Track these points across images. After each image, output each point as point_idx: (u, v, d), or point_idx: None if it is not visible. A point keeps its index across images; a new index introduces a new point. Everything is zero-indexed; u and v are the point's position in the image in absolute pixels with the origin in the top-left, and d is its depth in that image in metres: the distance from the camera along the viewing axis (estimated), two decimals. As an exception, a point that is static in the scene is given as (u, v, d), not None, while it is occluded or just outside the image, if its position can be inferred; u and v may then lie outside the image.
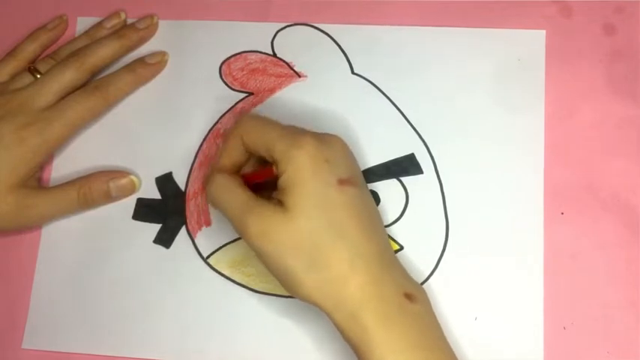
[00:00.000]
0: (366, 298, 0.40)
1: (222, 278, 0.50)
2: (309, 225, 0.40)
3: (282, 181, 0.42)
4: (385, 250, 0.42)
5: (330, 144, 0.43)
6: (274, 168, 0.43)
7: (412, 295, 0.41)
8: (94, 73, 0.53)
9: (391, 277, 0.41)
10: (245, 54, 0.55)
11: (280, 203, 0.41)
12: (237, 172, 0.46)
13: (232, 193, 0.43)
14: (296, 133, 0.42)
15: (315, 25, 0.55)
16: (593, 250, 0.48)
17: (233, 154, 0.45)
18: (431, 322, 0.41)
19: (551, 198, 0.49)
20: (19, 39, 0.55)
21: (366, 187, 0.44)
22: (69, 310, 0.51)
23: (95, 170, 0.53)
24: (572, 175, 0.49)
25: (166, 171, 0.53)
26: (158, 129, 0.54)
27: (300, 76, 0.54)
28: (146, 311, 0.50)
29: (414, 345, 0.39)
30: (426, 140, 0.51)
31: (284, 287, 0.42)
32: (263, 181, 0.45)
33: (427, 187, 0.50)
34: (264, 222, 0.41)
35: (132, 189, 0.52)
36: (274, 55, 0.55)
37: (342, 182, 0.41)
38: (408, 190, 0.50)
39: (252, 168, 0.47)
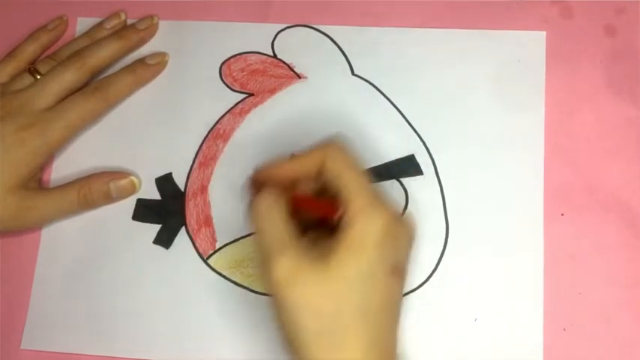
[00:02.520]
0: None
1: (222, 279, 0.50)
2: (344, 295, 0.37)
3: (344, 234, 0.38)
4: (394, 349, 0.39)
5: (404, 226, 0.40)
6: (336, 213, 0.39)
7: None
8: (95, 74, 0.53)
9: None
10: (245, 55, 0.55)
11: (325, 253, 0.38)
12: (292, 187, 0.42)
13: (273, 221, 0.39)
14: (381, 198, 0.39)
15: (316, 26, 0.55)
16: (593, 251, 0.48)
17: (305, 166, 0.41)
18: None
19: (551, 199, 0.49)
20: (20, 39, 0.55)
21: (407, 277, 0.41)
22: (68, 310, 0.51)
23: (95, 171, 0.53)
24: (572, 176, 0.49)
25: (166, 171, 0.53)
26: (158, 130, 0.54)
27: (300, 78, 0.54)
28: (145, 312, 0.50)
29: None
30: (426, 141, 0.51)
31: (283, 342, 0.38)
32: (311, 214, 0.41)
33: (427, 188, 0.50)
34: (295, 268, 0.37)
35: (132, 190, 0.52)
36: (274, 56, 0.55)
37: (394, 270, 0.38)
38: (408, 191, 0.50)
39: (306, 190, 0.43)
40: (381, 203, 0.38)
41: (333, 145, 0.41)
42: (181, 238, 0.51)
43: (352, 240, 0.37)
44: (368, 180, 0.40)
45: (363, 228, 0.38)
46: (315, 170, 0.41)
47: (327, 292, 0.37)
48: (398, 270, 0.39)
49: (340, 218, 0.38)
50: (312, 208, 0.41)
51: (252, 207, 0.40)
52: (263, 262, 0.38)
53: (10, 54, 0.55)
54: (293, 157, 0.42)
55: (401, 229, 0.39)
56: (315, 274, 0.37)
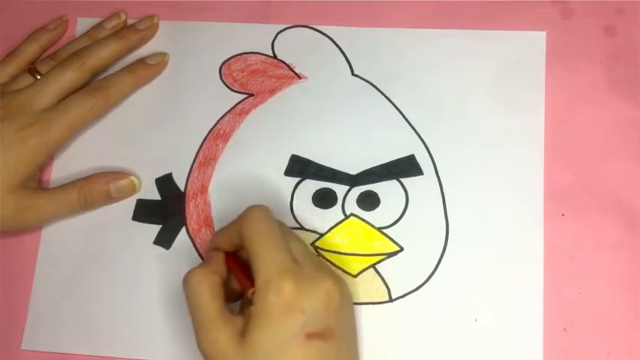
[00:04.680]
0: None
1: (222, 279, 0.50)
2: None
3: (252, 310, 0.40)
4: None
5: (314, 292, 0.41)
6: (250, 289, 0.42)
7: None
8: (95, 74, 0.53)
9: None
10: (245, 55, 0.55)
11: (243, 326, 0.41)
12: (234, 250, 0.45)
13: (200, 299, 0.42)
14: (283, 270, 0.41)
15: (316, 26, 0.55)
16: (593, 252, 0.48)
17: (232, 237, 0.44)
18: None
19: (551, 199, 0.49)
20: (20, 39, 0.55)
21: (347, 339, 0.43)
22: (68, 310, 0.51)
23: (95, 171, 0.52)
24: (572, 177, 0.49)
25: (166, 172, 0.53)
26: (158, 130, 0.54)
27: (300, 78, 0.54)
28: (146, 312, 0.50)
29: None
30: (426, 141, 0.51)
31: None
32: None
33: (427, 188, 0.50)
34: (215, 345, 0.40)
35: (132, 190, 0.52)
36: (275, 56, 0.55)
37: (310, 336, 0.40)
38: (408, 191, 0.50)
39: None
40: (280, 279, 0.40)
41: (248, 213, 0.43)
42: (182, 239, 0.51)
43: (257, 315, 0.40)
44: (279, 248, 0.42)
45: (264, 303, 0.40)
46: (238, 240, 0.44)
47: None
48: (316, 334, 0.40)
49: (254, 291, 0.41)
50: (235, 274, 0.44)
51: (183, 282, 0.43)
52: (194, 331, 0.42)
53: (10, 54, 0.54)
54: (221, 228, 0.46)
55: (307, 297, 0.40)
56: (233, 351, 0.40)
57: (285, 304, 0.40)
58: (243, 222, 0.43)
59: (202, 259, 0.51)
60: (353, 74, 0.54)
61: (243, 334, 0.40)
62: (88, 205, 0.51)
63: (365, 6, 0.55)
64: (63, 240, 0.52)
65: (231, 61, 0.55)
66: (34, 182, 0.52)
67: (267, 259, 0.41)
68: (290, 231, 0.46)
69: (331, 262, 0.49)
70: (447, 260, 0.49)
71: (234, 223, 0.44)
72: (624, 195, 0.49)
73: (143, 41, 0.56)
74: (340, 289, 0.42)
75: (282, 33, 0.55)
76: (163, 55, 0.55)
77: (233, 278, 0.45)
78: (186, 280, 0.43)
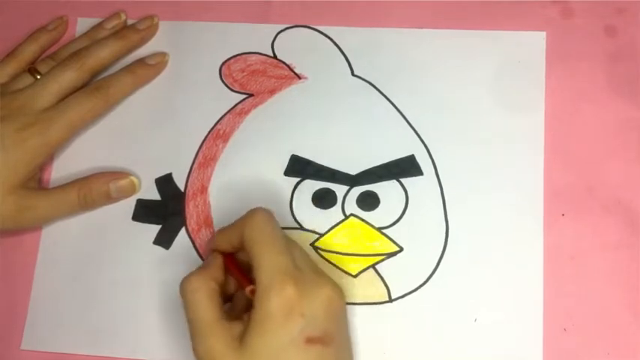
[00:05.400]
0: None
1: (222, 279, 0.50)
2: None
3: (252, 314, 0.40)
4: None
5: (314, 297, 0.41)
6: (247, 287, 0.42)
7: None
8: (95, 74, 0.53)
9: None
10: (245, 55, 0.55)
11: (242, 330, 0.40)
12: (233, 252, 0.45)
13: (198, 306, 0.42)
14: (285, 274, 0.40)
15: (316, 27, 0.55)
16: (593, 252, 0.48)
17: (232, 239, 0.44)
18: None
19: (551, 199, 0.49)
20: (20, 39, 0.55)
21: (345, 346, 0.43)
22: (68, 310, 0.51)
23: (95, 171, 0.52)
24: (572, 177, 0.49)
25: (166, 172, 0.53)
26: (158, 130, 0.54)
27: (300, 78, 0.54)
28: (146, 312, 0.50)
29: None
30: (426, 142, 0.51)
31: None
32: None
33: (427, 189, 0.50)
34: (212, 351, 0.40)
35: (132, 190, 0.52)
36: (275, 56, 0.55)
37: (310, 341, 0.40)
38: (408, 192, 0.50)
39: None
40: (281, 283, 0.40)
41: (253, 216, 0.43)
42: (181, 239, 0.51)
43: (257, 319, 0.40)
44: (281, 252, 0.41)
45: (266, 307, 0.40)
46: (238, 242, 0.44)
47: None
48: (315, 339, 0.40)
49: (253, 292, 0.41)
50: (233, 274, 0.44)
51: (180, 288, 0.43)
52: (190, 338, 0.42)
53: (10, 54, 0.54)
54: (221, 229, 0.46)
55: (308, 302, 0.40)
56: (231, 355, 0.39)
57: (287, 307, 0.40)
58: (245, 224, 0.43)
59: (202, 259, 0.51)
60: (353, 74, 0.54)
61: (241, 339, 0.40)
62: (87, 205, 0.51)
63: (365, 6, 0.55)
64: (63, 240, 0.52)
65: (231, 61, 0.55)
66: (34, 182, 0.52)
67: (269, 262, 0.41)
68: (290, 238, 0.46)
69: (331, 263, 0.49)
70: (447, 260, 0.49)
71: (235, 224, 0.44)
72: (624, 195, 0.49)
73: (143, 41, 0.56)
74: (340, 295, 0.42)
75: (282, 33, 0.55)
76: (163, 55, 0.55)
77: (227, 280, 0.45)
78: (183, 287, 0.43)
